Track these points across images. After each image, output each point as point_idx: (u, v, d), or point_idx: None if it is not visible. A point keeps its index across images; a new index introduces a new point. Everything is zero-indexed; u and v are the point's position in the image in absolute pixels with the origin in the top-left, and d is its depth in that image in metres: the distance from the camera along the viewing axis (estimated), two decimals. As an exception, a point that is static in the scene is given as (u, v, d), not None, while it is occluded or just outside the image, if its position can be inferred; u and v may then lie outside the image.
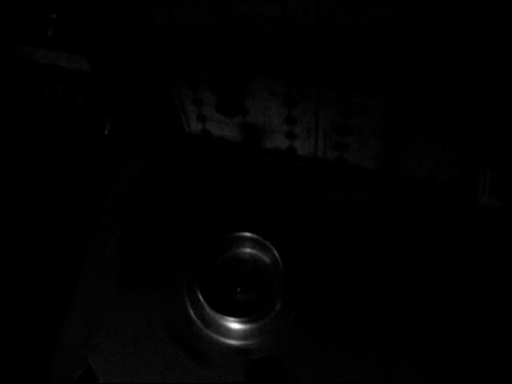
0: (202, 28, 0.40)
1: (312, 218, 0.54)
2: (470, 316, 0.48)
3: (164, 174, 0.58)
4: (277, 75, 0.42)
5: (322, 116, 0.45)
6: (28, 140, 0.57)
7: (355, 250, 0.52)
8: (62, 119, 0.56)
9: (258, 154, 0.53)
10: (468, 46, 0.34)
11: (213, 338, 0.50)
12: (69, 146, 0.59)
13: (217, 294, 0.51)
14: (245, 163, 0.55)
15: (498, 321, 0.48)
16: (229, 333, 0.50)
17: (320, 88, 0.42)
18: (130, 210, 0.56)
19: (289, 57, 0.40)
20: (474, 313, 0.48)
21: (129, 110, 0.52)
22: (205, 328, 0.50)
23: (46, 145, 0.59)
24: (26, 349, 0.53)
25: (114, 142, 0.57)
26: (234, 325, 0.50)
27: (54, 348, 0.52)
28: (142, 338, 0.50)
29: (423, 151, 0.45)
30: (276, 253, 0.51)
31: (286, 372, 0.48)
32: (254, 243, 0.52)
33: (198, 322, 0.50)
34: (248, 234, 0.52)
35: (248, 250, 0.53)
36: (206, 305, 0.50)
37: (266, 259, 0.52)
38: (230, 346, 0.50)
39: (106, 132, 0.53)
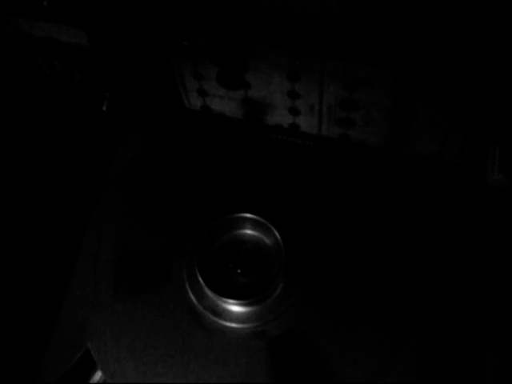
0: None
1: (314, 199, 0.53)
2: (476, 296, 0.48)
3: (164, 152, 0.57)
4: (280, 46, 0.41)
5: (326, 90, 0.44)
6: (22, 117, 0.57)
7: (358, 230, 0.51)
8: (58, 95, 0.55)
9: (260, 131, 0.52)
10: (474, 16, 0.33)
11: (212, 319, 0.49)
12: (65, 123, 0.59)
13: (217, 276, 0.50)
14: (246, 140, 0.54)
15: (505, 301, 0.47)
16: (230, 316, 0.49)
17: (324, 60, 0.41)
18: (129, 190, 0.55)
19: (292, 27, 0.39)
20: (481, 293, 0.48)
21: (127, 84, 0.51)
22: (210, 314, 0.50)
23: (40, 122, 0.58)
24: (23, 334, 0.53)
25: (112, 119, 0.56)
26: (236, 307, 0.49)
27: (52, 330, 0.51)
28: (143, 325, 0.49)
29: (430, 128, 0.44)
30: (277, 234, 0.50)
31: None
32: (255, 224, 0.51)
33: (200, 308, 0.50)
34: (249, 215, 0.51)
35: (249, 232, 0.52)
36: (206, 288, 0.49)
37: (267, 241, 0.52)
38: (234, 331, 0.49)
39: (104, 108, 0.53)
